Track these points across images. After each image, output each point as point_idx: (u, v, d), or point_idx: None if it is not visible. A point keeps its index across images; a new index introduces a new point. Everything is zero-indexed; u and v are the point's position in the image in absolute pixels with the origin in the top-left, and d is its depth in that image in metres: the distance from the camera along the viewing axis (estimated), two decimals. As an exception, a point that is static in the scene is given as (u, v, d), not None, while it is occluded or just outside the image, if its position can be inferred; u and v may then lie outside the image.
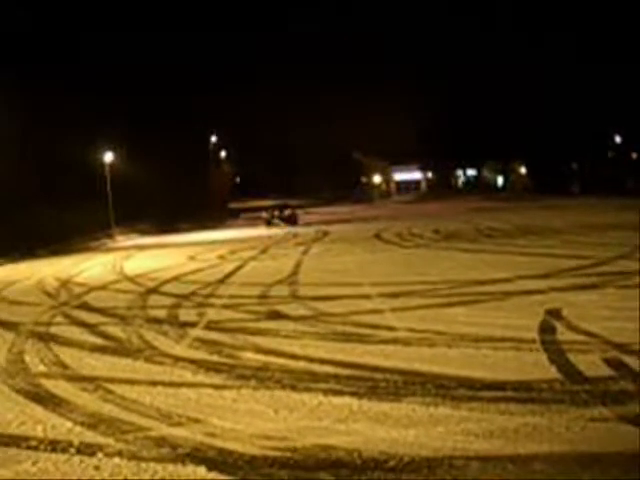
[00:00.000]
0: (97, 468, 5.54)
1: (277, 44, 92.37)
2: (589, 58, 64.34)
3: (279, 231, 39.77)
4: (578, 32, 65.79)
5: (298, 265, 19.71)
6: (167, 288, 16.49)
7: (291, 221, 49.39)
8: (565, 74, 67.23)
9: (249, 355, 8.97)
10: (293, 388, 7.33)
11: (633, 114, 63.03)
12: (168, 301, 14.22)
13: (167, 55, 59.20)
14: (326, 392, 7.08)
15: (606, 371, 7.19)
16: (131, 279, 19.05)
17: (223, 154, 74.78)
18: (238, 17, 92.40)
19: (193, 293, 15.20)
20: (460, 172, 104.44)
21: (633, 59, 59.52)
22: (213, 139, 69.44)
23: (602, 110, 65.37)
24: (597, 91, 64.61)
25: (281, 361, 8.51)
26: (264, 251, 25.72)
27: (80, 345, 10.37)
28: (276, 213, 51.12)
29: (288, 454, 5.55)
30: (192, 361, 8.83)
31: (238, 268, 20.05)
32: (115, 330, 11.36)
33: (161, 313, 12.76)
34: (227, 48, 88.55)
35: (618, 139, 73.46)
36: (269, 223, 49.83)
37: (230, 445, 5.81)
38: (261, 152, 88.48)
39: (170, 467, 5.46)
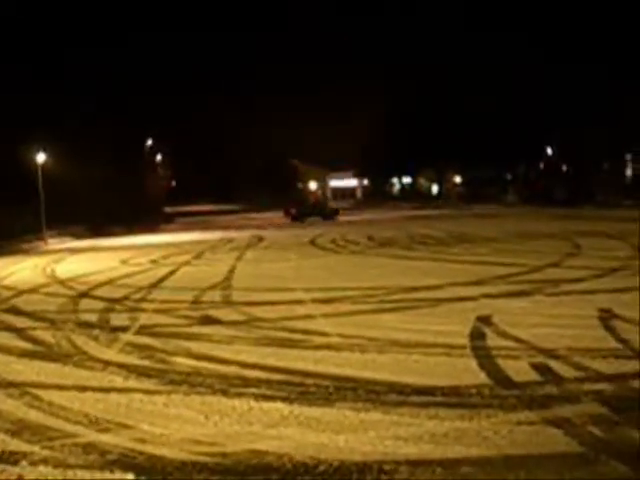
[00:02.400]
0: (21, 477, 5.40)
1: (213, 48, 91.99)
2: (522, 71, 65.57)
3: (217, 235, 39.43)
4: (514, 44, 67.03)
5: (232, 270, 19.63)
6: (99, 292, 16.25)
7: (331, 217, 53.80)
8: (499, 86, 68.39)
9: (181, 360, 8.90)
10: (224, 393, 7.29)
11: (564, 126, 64.50)
12: (100, 305, 14.01)
13: (105, 56, 58.52)
14: (257, 397, 7.06)
15: (533, 376, 7.34)
16: (62, 282, 18.73)
17: (159, 158, 74.11)
18: (176, 18, 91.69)
19: (125, 297, 15.01)
20: (396, 180, 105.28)
21: (565, 72, 60.91)
22: (149, 142, 68.77)
23: (535, 122, 66.71)
24: (530, 104, 65.92)
25: (213, 366, 8.46)
26: (198, 256, 25.54)
27: (7, 350, 10.15)
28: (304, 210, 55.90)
29: (218, 459, 5.52)
30: (123, 366, 8.72)
31: (171, 273, 19.88)
32: (44, 335, 11.14)
33: (92, 317, 12.57)
34: (165, 50, 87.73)
35: (550, 151, 75.06)
36: (297, 218, 54.01)
37: (160, 451, 5.75)
38: (198, 157, 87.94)
39: (97, 474, 5.37)
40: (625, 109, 57.42)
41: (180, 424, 6.43)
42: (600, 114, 58.98)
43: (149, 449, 5.80)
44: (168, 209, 74.15)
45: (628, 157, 73.59)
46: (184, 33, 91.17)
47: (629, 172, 75.10)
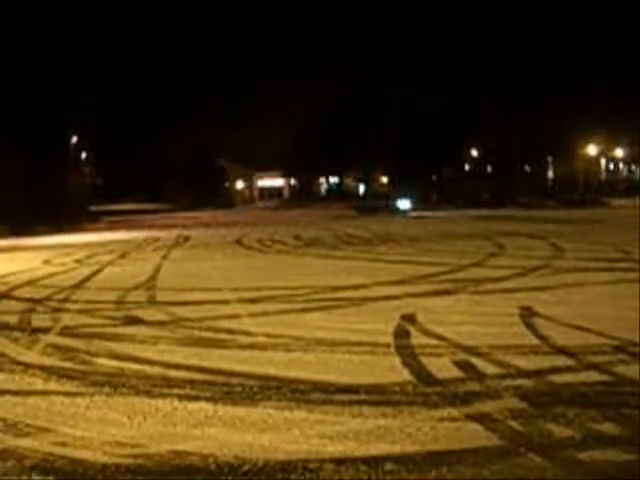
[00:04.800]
0: None
1: (143, 46, 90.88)
2: (444, 72, 66.61)
3: (143, 235, 38.94)
4: (441, 45, 68.09)
5: (157, 270, 19.43)
6: (20, 292, 15.87)
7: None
8: (426, 88, 69.34)
9: (104, 361, 8.76)
10: (148, 394, 7.21)
11: (488, 129, 65.71)
12: (20, 306, 13.67)
13: (26, 47, 57.07)
14: (181, 398, 7.00)
15: (455, 373, 7.45)
16: (-20, 284, 18.23)
17: (84, 156, 72.81)
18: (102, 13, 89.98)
19: (48, 298, 14.69)
20: (323, 180, 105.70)
21: (490, 76, 62.05)
22: (74, 139, 67.43)
23: (459, 124, 67.83)
24: (454, 106, 66.96)
25: (136, 367, 8.35)
26: (123, 256, 25.20)
27: None
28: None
29: (141, 461, 5.45)
30: (44, 368, 8.53)
31: (95, 273, 19.56)
32: (-39, 337, 10.82)
33: (12, 319, 12.24)
34: (92, 43, 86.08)
35: (475, 153, 76.42)
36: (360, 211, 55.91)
37: (81, 454, 5.64)
38: (124, 155, 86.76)
39: (15, 480, 5.24)
40: (546, 113, 58.86)
41: (102, 426, 6.32)
42: (523, 118, 60.29)
43: (70, 453, 5.68)
44: (93, 208, 72.85)
45: (550, 159, 75.56)
46: (111, 31, 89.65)
47: (550, 174, 77.14)
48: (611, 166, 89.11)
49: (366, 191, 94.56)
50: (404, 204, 56.10)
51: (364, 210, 56.78)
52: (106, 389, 7.47)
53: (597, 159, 72.78)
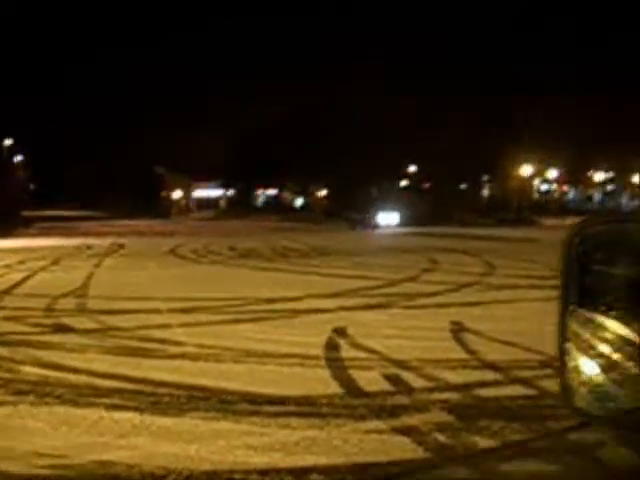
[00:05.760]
0: None
1: (80, 51, 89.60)
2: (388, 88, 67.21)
3: (77, 242, 38.33)
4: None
5: (89, 278, 19.12)
6: (-55, 299, 15.46)
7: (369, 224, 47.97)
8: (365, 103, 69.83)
9: (29, 369, 8.58)
10: (74, 403, 7.09)
11: (425, 145, 66.53)
12: (-55, 312, 13.33)
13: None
14: (108, 407, 6.90)
15: (384, 386, 7.52)
16: None
17: (18, 159, 71.36)
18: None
19: (-27, 304, 14.35)
20: (261, 191, 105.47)
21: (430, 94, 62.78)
22: (8, 142, 66.00)
23: (398, 140, 68.44)
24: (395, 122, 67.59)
25: (63, 375, 8.20)
26: (55, 262, 24.72)
27: None
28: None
29: (64, 472, 5.36)
30: (-34, 376, 8.33)
31: (26, 279, 19.14)
32: None
33: (-64, 325, 11.93)
34: (32, 47, 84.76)
35: (413, 168, 77.32)
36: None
37: (2, 465, 5.50)
38: (61, 161, 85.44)
39: None
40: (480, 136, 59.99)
41: (26, 436, 6.19)
42: (456, 135, 61.25)
43: (-10, 463, 5.56)
44: (27, 213, 71.38)
45: (485, 178, 76.96)
46: (49, 34, 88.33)
47: (485, 192, 78.55)
48: (544, 186, 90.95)
49: (305, 204, 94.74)
50: (388, 218, 49.82)
51: (353, 223, 54.11)
52: (30, 398, 7.32)
53: (531, 179, 74.34)
